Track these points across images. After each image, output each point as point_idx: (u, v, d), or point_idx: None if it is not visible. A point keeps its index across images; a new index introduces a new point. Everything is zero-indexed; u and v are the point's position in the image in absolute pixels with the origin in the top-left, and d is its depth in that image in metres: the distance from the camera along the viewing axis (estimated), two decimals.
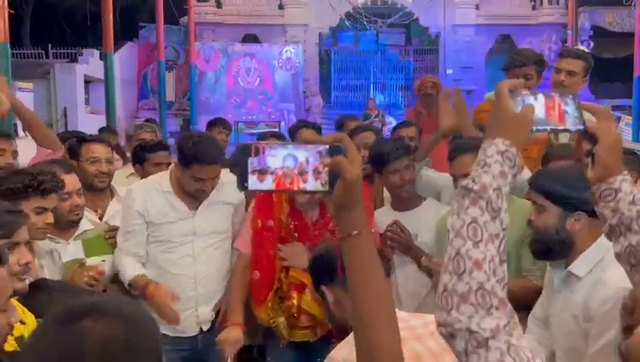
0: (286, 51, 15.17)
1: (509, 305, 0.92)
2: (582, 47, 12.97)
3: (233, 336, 2.29)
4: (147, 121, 5.63)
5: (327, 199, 1.78)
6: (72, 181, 2.33)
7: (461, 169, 2.17)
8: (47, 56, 14.69)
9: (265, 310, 2.38)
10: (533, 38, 15.24)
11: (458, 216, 0.95)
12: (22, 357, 0.94)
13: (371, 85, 18.34)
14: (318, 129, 3.82)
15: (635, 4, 12.01)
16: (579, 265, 1.71)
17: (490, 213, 0.95)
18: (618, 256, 1.15)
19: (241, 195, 2.54)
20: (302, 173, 0.96)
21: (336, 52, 17.96)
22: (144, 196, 2.46)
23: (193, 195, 2.48)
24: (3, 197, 1.81)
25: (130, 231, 2.45)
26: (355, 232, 0.98)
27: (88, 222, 2.48)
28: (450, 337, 0.91)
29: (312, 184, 0.97)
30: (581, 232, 1.70)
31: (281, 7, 15.87)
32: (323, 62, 17.41)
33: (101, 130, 4.97)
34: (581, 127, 1.09)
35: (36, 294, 1.52)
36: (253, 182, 0.96)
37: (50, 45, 14.93)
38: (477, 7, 16.09)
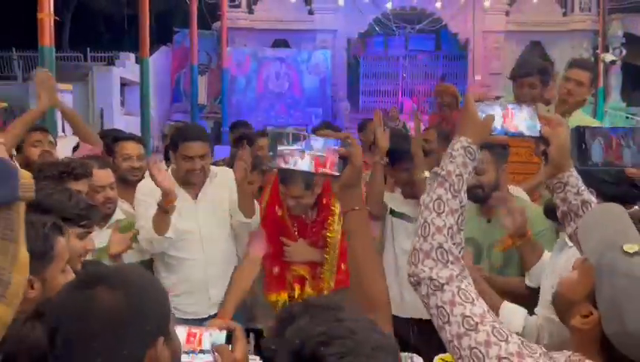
0: (315, 56, 15.42)
1: (462, 261, 1.18)
2: (610, 55, 12.90)
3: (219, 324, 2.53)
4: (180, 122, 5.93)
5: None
6: (105, 175, 2.58)
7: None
8: (86, 59, 15.25)
9: (277, 296, 2.61)
10: (564, 45, 15.16)
11: (428, 194, 1.20)
12: (46, 313, 1.04)
13: (399, 91, 18.46)
14: (339, 130, 4.05)
15: None
16: None
17: (452, 192, 1.21)
18: (570, 237, 1.36)
19: (234, 183, 2.70)
20: (318, 157, 1.25)
21: (364, 57, 18.14)
22: (151, 190, 2.65)
23: (188, 179, 2.68)
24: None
25: (146, 209, 2.62)
26: (357, 208, 1.29)
27: (120, 211, 2.73)
28: (416, 285, 1.18)
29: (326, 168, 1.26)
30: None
31: (310, 12, 16.12)
32: (351, 68, 17.59)
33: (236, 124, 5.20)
34: (534, 134, 1.30)
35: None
36: (279, 162, 1.26)
37: (88, 49, 15.48)
38: (507, 13, 16.06)
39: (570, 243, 1.86)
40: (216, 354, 1.20)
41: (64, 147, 3.23)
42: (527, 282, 2.20)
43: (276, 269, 2.64)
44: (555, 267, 1.97)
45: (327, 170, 1.26)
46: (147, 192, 2.66)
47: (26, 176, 0.82)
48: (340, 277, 2.55)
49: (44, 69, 3.85)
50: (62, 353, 0.95)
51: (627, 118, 13.72)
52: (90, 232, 1.75)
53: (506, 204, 2.25)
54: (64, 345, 0.94)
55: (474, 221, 2.50)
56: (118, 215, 2.71)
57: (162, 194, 2.46)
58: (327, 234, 2.58)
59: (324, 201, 2.59)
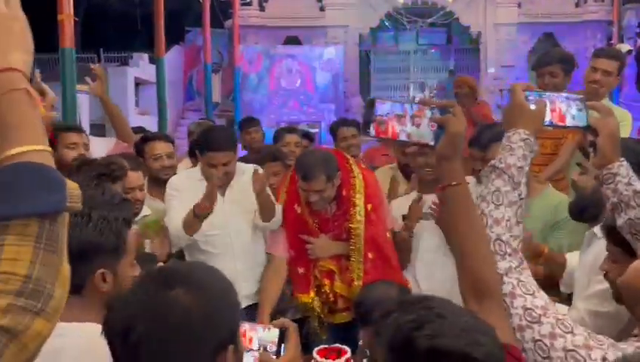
0: (327, 52, 15.40)
1: (520, 253, 1.18)
2: (626, 45, 12.77)
3: None
4: (202, 119, 5.99)
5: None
6: (137, 177, 2.62)
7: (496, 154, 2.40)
8: (99, 60, 15.31)
9: (307, 298, 2.63)
10: (577, 36, 15.02)
11: (486, 186, 1.19)
12: (117, 309, 0.99)
13: (411, 85, 18.39)
14: (357, 125, 4.06)
15: None
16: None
17: (512, 184, 1.21)
18: (621, 228, 1.36)
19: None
20: (403, 119, 1.16)
21: (375, 52, 18.08)
22: (183, 184, 2.74)
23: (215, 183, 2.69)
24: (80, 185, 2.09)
25: (176, 203, 2.67)
26: (454, 183, 1.16)
27: (147, 208, 2.77)
28: None
29: (414, 131, 1.17)
30: None
31: (322, 9, 16.09)
32: (363, 63, 17.55)
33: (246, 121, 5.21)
34: (581, 125, 1.31)
35: None
36: (373, 130, 1.18)
37: (102, 50, 15.55)
38: (519, 5, 15.93)
39: (599, 235, 1.89)
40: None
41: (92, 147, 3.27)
42: (562, 289, 2.22)
43: (301, 270, 2.66)
44: (586, 260, 1.98)
45: (417, 140, 1.17)
46: (177, 187, 2.71)
47: (73, 187, 0.81)
48: (367, 266, 2.56)
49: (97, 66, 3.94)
50: (132, 352, 0.93)
51: None
52: None
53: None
54: (136, 345, 0.93)
55: None
56: (145, 211, 2.75)
57: (203, 198, 2.48)
58: (350, 225, 2.59)
59: (344, 193, 2.60)
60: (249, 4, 15.65)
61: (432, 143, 1.18)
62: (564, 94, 1.36)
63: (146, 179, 3.05)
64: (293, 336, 1.24)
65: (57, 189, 0.78)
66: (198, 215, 2.54)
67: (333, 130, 4.25)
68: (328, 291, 2.61)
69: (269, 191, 2.77)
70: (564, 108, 1.31)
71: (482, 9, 15.85)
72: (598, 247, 1.84)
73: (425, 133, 1.18)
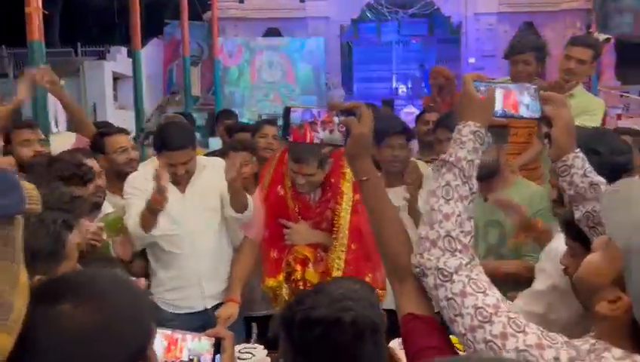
0: (308, 44, 15.30)
1: (471, 249, 1.13)
2: (604, 35, 12.84)
3: (225, 312, 2.52)
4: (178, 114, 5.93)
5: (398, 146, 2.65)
6: (92, 165, 2.55)
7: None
8: (77, 54, 15.08)
9: (275, 282, 2.58)
10: (557, 25, 15.08)
11: (436, 180, 1.14)
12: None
13: (394, 76, 18.36)
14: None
15: None
16: None
17: (462, 178, 1.16)
18: (579, 221, 1.32)
19: (223, 177, 2.70)
20: (320, 125, 1.30)
21: (357, 43, 18.01)
22: (141, 181, 2.65)
23: (173, 180, 2.63)
24: (50, 182, 2.02)
25: (135, 203, 2.59)
26: (364, 178, 1.29)
27: (109, 205, 2.69)
28: (422, 275, 1.12)
29: (327, 136, 1.30)
30: None
31: (302, 0, 15.99)
32: (345, 54, 17.48)
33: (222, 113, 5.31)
34: (535, 115, 1.26)
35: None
36: (291, 136, 1.32)
37: (79, 44, 15.31)
38: None
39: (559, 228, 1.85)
40: None
41: (64, 144, 3.18)
42: None
43: (275, 253, 2.61)
44: (549, 253, 1.94)
45: (329, 142, 1.31)
46: (137, 185, 2.63)
47: (30, 187, 0.75)
48: (349, 257, 2.51)
49: (43, 66, 3.80)
50: None
51: (621, 96, 13.68)
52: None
53: (503, 205, 2.27)
54: None
55: None
56: (107, 208, 2.67)
57: (154, 192, 2.41)
58: (336, 214, 2.55)
59: (332, 180, 2.56)
60: None
61: (342, 144, 1.30)
62: (518, 84, 1.32)
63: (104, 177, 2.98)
64: (229, 347, 1.18)
65: (12, 190, 0.72)
66: (152, 209, 2.45)
67: None
68: (299, 278, 2.55)
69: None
70: (517, 98, 1.26)
71: None
72: (557, 242, 1.82)
73: (336, 136, 1.30)
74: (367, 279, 2.41)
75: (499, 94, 1.25)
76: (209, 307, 2.71)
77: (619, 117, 10.92)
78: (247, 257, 2.65)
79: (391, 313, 2.23)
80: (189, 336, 1.20)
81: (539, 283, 1.81)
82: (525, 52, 3.24)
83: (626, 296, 0.99)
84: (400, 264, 1.22)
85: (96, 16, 17.93)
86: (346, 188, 2.52)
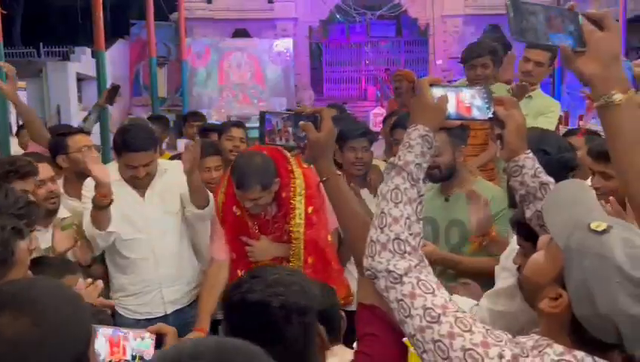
0: (276, 45, 15.28)
1: (420, 251, 1.15)
2: None
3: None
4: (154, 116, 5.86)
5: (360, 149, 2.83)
6: (45, 169, 2.50)
7: None
8: (39, 55, 14.75)
9: None
10: None
11: (385, 183, 1.15)
12: None
13: (363, 77, 18.47)
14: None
15: None
16: None
17: (410, 181, 1.17)
18: (530, 220, 1.35)
19: (184, 179, 2.65)
20: (276, 133, 1.43)
21: (327, 45, 18.07)
22: None
23: (132, 183, 2.62)
24: None
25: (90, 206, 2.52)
26: (324, 178, 1.41)
27: (65, 210, 2.64)
28: (374, 278, 1.13)
29: (282, 143, 1.44)
30: None
31: (270, 1, 15.97)
32: (314, 56, 17.53)
33: (190, 115, 5.29)
34: (486, 117, 1.28)
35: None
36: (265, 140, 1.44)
37: (41, 44, 14.98)
38: None
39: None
40: None
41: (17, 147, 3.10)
42: None
43: (241, 273, 2.58)
44: (509, 261, 1.98)
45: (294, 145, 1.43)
46: (93, 188, 2.58)
47: None
48: (307, 271, 2.50)
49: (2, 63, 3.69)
50: None
51: (584, 98, 14.00)
52: (33, 231, 1.68)
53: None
54: None
55: (432, 200, 2.54)
56: (63, 213, 2.62)
57: (95, 187, 2.37)
58: (290, 228, 2.53)
59: (284, 195, 2.53)
60: None
61: (294, 146, 1.44)
62: (470, 87, 1.34)
63: (63, 178, 2.92)
64: (171, 342, 1.18)
65: None
66: (98, 205, 2.40)
67: None
68: None
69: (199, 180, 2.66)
70: (469, 101, 1.28)
71: (429, 1, 16.04)
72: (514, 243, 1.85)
73: (291, 143, 1.44)
74: None
75: (452, 97, 1.27)
76: (169, 312, 2.68)
77: (580, 117, 11.19)
78: (217, 286, 2.57)
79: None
80: (130, 335, 1.19)
81: (501, 282, 1.83)
82: (483, 55, 3.30)
83: (566, 294, 1.01)
84: (357, 258, 1.30)
85: (60, 16, 17.57)
86: (297, 201, 2.49)
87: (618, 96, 1.10)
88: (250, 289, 1.19)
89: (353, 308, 2.61)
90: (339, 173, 1.46)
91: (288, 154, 2.68)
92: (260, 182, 2.38)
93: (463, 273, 2.40)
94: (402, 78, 4.67)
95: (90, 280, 1.91)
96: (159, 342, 1.19)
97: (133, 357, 1.16)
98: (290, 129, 1.41)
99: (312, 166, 1.53)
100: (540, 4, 1.17)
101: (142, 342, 1.18)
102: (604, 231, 1.00)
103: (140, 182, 2.62)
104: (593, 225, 1.01)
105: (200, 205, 2.62)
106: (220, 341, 0.78)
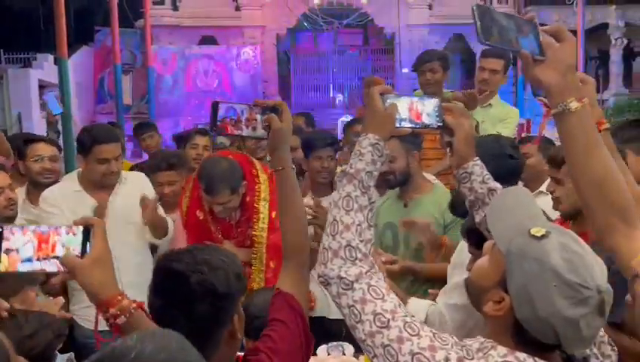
0: (244, 53, 15.25)
1: (371, 258, 1.18)
2: None
3: None
4: (110, 123, 5.75)
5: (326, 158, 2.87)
6: (2, 177, 2.46)
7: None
8: (0, 62, 14.41)
9: None
10: None
11: (337, 191, 1.18)
12: None
13: (331, 85, 18.56)
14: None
15: (576, 3, 12.56)
16: None
17: (361, 189, 1.20)
18: (479, 225, 1.39)
19: (149, 185, 2.65)
20: (244, 122, 1.43)
21: (294, 53, 18.12)
22: (56, 198, 2.59)
23: (103, 183, 2.61)
24: None
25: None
26: (280, 168, 1.45)
27: (23, 219, 2.60)
28: (327, 285, 1.16)
29: (249, 132, 1.44)
30: None
31: (237, 8, 15.94)
32: (282, 63, 17.54)
33: (140, 126, 5.10)
34: (436, 125, 1.32)
35: None
36: (218, 130, 1.43)
37: (2, 50, 14.63)
38: (430, 7, 16.49)
39: None
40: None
41: None
42: None
43: None
44: (460, 258, 2.04)
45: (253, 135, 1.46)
46: (54, 202, 2.54)
47: None
48: (268, 275, 2.51)
49: None
50: None
51: (544, 105, 14.35)
52: None
53: (413, 227, 2.37)
54: None
55: (392, 205, 2.59)
56: (22, 221, 2.57)
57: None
58: (253, 232, 2.54)
59: (248, 199, 2.55)
60: (161, 2, 15.25)
61: (263, 137, 1.44)
62: (421, 96, 1.37)
63: (26, 185, 2.87)
64: (99, 233, 1.18)
65: None
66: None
67: None
68: None
69: (161, 210, 2.68)
70: (420, 109, 1.32)
71: (395, 11, 16.26)
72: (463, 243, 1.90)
73: (258, 132, 1.44)
74: None
75: (403, 105, 1.30)
76: None
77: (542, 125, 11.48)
78: None
79: (323, 320, 2.23)
80: (62, 229, 1.15)
81: (457, 277, 1.87)
82: (432, 61, 3.41)
83: (508, 297, 1.05)
84: (288, 245, 1.46)
85: (21, 22, 17.18)
86: (262, 206, 2.52)
87: (574, 104, 1.14)
88: (178, 260, 1.28)
89: (317, 314, 2.65)
90: (300, 178, 1.52)
91: (254, 160, 2.70)
92: (228, 185, 2.41)
93: (425, 280, 2.45)
94: (371, 84, 4.73)
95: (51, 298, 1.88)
96: (87, 234, 1.17)
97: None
98: (258, 117, 1.43)
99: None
100: (503, 12, 1.21)
101: (74, 238, 1.14)
102: (542, 237, 1.04)
103: (110, 182, 2.61)
104: (533, 231, 1.05)
105: (159, 237, 2.67)
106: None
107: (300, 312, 1.40)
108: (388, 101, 1.28)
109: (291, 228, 1.47)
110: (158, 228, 2.66)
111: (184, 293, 1.23)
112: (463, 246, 1.84)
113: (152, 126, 4.83)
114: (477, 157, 1.39)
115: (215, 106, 1.42)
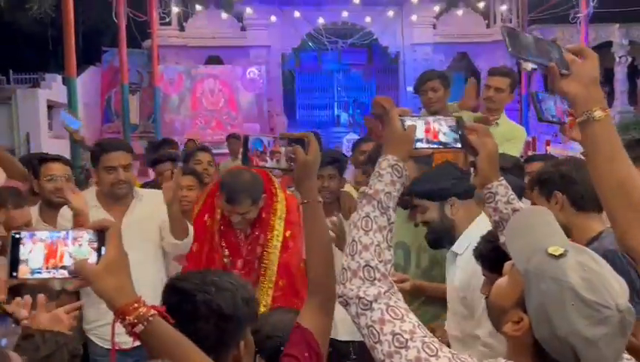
0: (249, 72, 15.37)
1: (390, 278, 1.18)
2: (531, 64, 13.57)
3: None
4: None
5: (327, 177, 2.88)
6: (21, 215, 2.44)
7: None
8: (9, 82, 14.57)
9: None
10: (489, 55, 15.78)
11: (357, 212, 1.19)
12: None
13: (335, 103, 18.66)
14: None
15: (580, 22, 12.65)
16: (457, 244, 2.01)
17: (380, 210, 1.21)
18: (504, 246, 1.38)
19: (163, 205, 2.66)
20: (268, 154, 1.48)
21: (299, 72, 18.26)
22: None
23: (113, 193, 2.62)
24: None
25: None
26: (305, 201, 1.48)
27: None
28: (346, 305, 1.16)
29: (272, 163, 1.48)
30: (459, 214, 2.01)
31: (243, 29, 16.10)
32: (287, 82, 17.67)
33: (163, 142, 5.20)
34: (454, 145, 1.33)
35: None
36: (249, 162, 1.48)
37: (11, 71, 14.80)
38: (434, 26, 16.62)
39: (457, 251, 1.99)
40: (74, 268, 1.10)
41: None
42: None
43: None
44: (452, 277, 2.05)
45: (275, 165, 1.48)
46: (70, 218, 2.56)
47: None
48: (277, 294, 2.49)
49: None
50: None
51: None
52: None
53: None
54: None
55: (403, 225, 2.59)
56: None
57: (72, 216, 2.37)
58: (266, 250, 2.53)
59: (264, 216, 2.54)
60: (168, 23, 15.42)
61: (288, 168, 1.47)
62: (439, 116, 1.38)
63: (39, 204, 2.89)
64: (113, 236, 1.12)
65: None
66: None
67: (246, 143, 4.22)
68: None
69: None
70: (438, 130, 1.33)
71: (399, 30, 16.39)
72: (467, 267, 1.90)
73: (282, 164, 1.48)
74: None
75: (420, 127, 1.31)
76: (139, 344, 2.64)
77: (548, 143, 11.49)
78: None
79: (331, 341, 2.24)
80: (69, 238, 1.10)
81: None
82: (433, 79, 3.45)
83: (527, 317, 1.05)
84: (314, 279, 1.46)
85: (30, 42, 17.39)
86: (277, 224, 2.51)
87: (598, 113, 1.20)
88: (187, 279, 1.31)
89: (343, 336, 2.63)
90: (320, 199, 1.52)
91: (274, 178, 2.72)
92: (250, 196, 2.41)
93: (431, 298, 2.45)
94: (377, 105, 4.74)
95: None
96: (102, 239, 1.11)
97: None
98: (282, 149, 1.46)
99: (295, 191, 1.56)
100: (530, 34, 1.29)
101: (79, 250, 1.09)
102: (560, 256, 1.04)
103: (120, 191, 2.62)
104: (551, 250, 1.05)
105: (179, 236, 2.63)
106: None
107: (317, 350, 1.39)
108: (406, 123, 1.30)
109: (317, 261, 1.46)
110: (177, 222, 2.60)
111: (189, 312, 1.24)
112: (475, 270, 1.84)
113: (172, 142, 4.89)
114: (502, 177, 1.39)
115: (246, 140, 1.47)
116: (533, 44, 1.22)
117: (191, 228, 2.65)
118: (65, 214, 2.63)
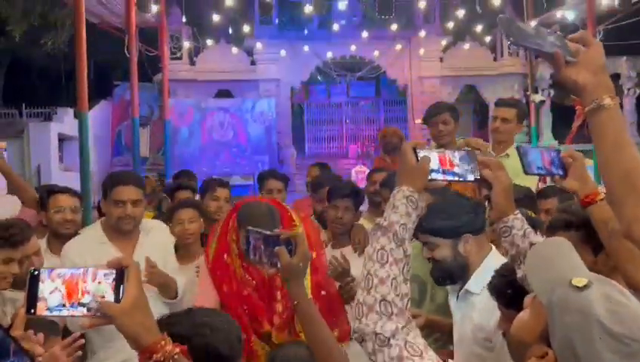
0: (259, 105, 15.52)
1: (407, 313, 1.14)
2: (539, 96, 13.60)
3: None
4: None
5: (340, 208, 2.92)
6: (30, 246, 2.44)
7: None
8: (21, 115, 14.78)
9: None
10: (496, 87, 15.88)
11: (371, 244, 1.16)
12: None
13: (344, 136, 18.75)
14: (285, 178, 4.02)
15: None
16: (473, 283, 1.93)
17: (396, 242, 1.18)
18: (521, 280, 1.35)
19: (170, 237, 2.67)
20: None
21: (308, 105, 18.42)
22: (80, 250, 2.58)
23: (119, 227, 2.60)
24: None
25: None
26: (295, 302, 1.52)
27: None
28: (362, 341, 1.12)
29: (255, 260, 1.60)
30: (472, 251, 1.94)
31: (253, 63, 16.32)
32: (296, 115, 17.81)
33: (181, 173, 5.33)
34: (469, 177, 1.31)
35: None
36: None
37: (24, 104, 15.04)
38: (441, 59, 16.77)
39: (474, 291, 1.92)
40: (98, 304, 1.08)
41: (6, 206, 3.06)
42: None
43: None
44: (465, 318, 1.99)
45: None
46: (72, 256, 2.53)
47: None
48: None
49: None
50: None
51: None
52: None
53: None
54: None
55: (418, 259, 2.53)
56: None
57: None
58: None
59: None
60: (179, 58, 15.66)
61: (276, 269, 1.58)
62: (454, 150, 1.36)
63: (47, 236, 2.89)
64: (134, 275, 1.09)
65: None
66: None
67: (261, 180, 4.19)
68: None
69: (175, 264, 2.68)
70: (453, 162, 1.31)
71: (407, 63, 16.55)
72: (489, 306, 1.82)
73: (264, 261, 1.59)
74: (335, 333, 2.34)
75: (434, 159, 1.30)
76: None
77: None
78: None
79: None
80: (89, 276, 1.09)
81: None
82: (442, 112, 3.44)
83: (552, 352, 1.01)
84: None
85: (43, 77, 17.71)
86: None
87: (608, 101, 1.17)
88: (178, 323, 1.30)
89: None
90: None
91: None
92: (270, 225, 2.38)
93: (446, 333, 2.39)
94: (393, 135, 4.78)
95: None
96: (120, 277, 1.09)
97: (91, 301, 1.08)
98: (262, 247, 1.54)
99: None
100: (529, 25, 1.26)
101: (98, 287, 1.07)
102: (584, 287, 1.00)
103: (125, 227, 2.59)
104: (574, 281, 1.02)
105: (170, 297, 2.64)
106: None
107: None
108: (420, 154, 1.28)
109: (319, 356, 1.52)
110: (165, 288, 2.64)
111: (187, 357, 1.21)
112: (490, 306, 1.79)
113: (190, 173, 4.91)
114: (517, 211, 1.37)
115: (247, 234, 1.62)
116: (533, 32, 1.19)
117: (180, 284, 2.63)
118: (69, 250, 2.62)
